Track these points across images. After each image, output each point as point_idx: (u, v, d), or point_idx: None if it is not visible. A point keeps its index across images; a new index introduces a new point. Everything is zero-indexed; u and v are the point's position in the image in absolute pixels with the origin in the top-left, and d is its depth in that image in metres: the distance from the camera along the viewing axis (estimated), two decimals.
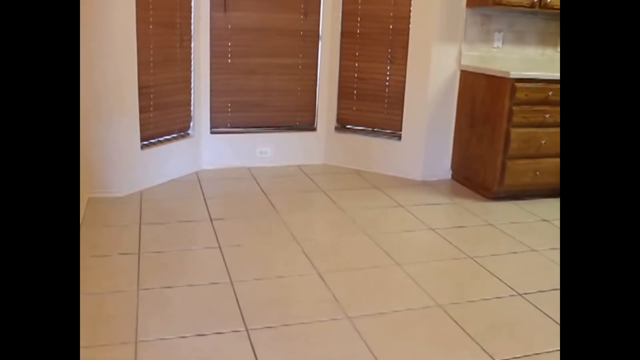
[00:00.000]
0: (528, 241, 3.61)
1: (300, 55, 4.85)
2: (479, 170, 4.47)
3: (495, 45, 4.73)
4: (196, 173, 4.67)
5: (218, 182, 4.48)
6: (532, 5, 4.38)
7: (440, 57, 4.56)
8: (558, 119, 4.33)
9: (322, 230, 3.59)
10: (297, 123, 4.99)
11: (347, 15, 4.77)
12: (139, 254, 3.12)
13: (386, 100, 4.79)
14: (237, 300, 2.66)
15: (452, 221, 3.89)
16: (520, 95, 4.16)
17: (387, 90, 4.77)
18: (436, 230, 3.69)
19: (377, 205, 4.10)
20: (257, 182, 4.50)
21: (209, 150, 4.77)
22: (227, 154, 4.82)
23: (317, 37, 4.85)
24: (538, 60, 4.94)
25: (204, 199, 4.07)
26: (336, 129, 5.02)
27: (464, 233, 3.68)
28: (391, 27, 4.65)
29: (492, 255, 3.36)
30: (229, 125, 4.82)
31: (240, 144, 4.84)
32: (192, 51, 4.50)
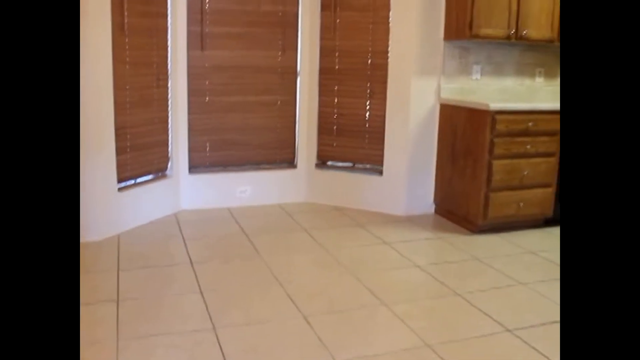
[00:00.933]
0: (516, 275, 3.62)
1: (279, 92, 4.88)
2: (462, 204, 4.50)
3: (474, 77, 4.81)
4: (175, 214, 4.64)
5: (198, 223, 4.45)
6: (509, 37, 4.49)
7: (419, 91, 4.63)
8: (539, 149, 4.40)
9: (306, 272, 3.57)
10: (277, 160, 4.99)
11: (325, 51, 4.84)
12: (117, 301, 3.06)
13: (367, 136, 4.83)
14: (221, 348, 2.61)
15: (438, 257, 3.89)
16: (500, 127, 4.22)
17: (367, 125, 4.81)
18: (422, 267, 3.68)
19: (361, 243, 4.09)
20: (238, 223, 4.47)
21: (187, 190, 4.75)
22: (207, 194, 4.80)
23: (296, 73, 4.90)
24: (516, 91, 5.03)
25: (184, 241, 4.03)
26: (317, 165, 5.04)
27: (451, 269, 3.68)
28: (370, 62, 4.71)
29: (480, 290, 3.36)
30: (207, 164, 4.81)
31: (219, 183, 4.82)
32: (170, 90, 4.51)
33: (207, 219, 4.55)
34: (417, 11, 4.50)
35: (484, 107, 4.21)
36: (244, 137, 4.86)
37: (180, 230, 4.25)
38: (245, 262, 3.68)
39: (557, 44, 4.75)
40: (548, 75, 5.17)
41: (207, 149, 4.77)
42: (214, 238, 4.11)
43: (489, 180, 4.28)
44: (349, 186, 4.94)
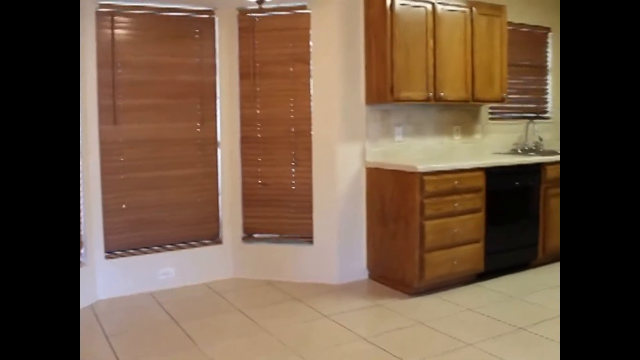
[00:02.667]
0: (461, 335, 3.67)
1: (199, 165, 4.80)
2: (397, 267, 4.55)
3: (396, 139, 4.97)
4: (91, 306, 4.36)
5: (119, 314, 4.20)
6: (428, 99, 4.70)
7: (345, 156, 4.71)
8: (467, 206, 4.57)
9: (250, 358, 3.44)
10: (201, 237, 4.86)
11: (246, 120, 4.84)
12: None
13: (294, 204, 4.83)
14: None
15: (381, 325, 3.88)
16: (429, 188, 4.35)
17: (294, 194, 4.82)
18: (368, 339, 3.65)
19: (301, 319, 4.02)
20: (164, 309, 4.26)
21: (104, 277, 4.49)
22: (126, 280, 4.56)
23: (216, 144, 4.85)
24: (437, 150, 5.24)
25: (106, 337, 3.77)
26: (243, 239, 4.95)
27: (396, 337, 3.68)
28: (293, 129, 4.76)
29: (431, 356, 3.36)
30: (125, 247, 4.59)
31: (139, 267, 4.61)
32: (81, 169, 4.30)
33: (129, 307, 4.31)
34: (337, 77, 4.63)
35: (411, 169, 4.33)
36: (164, 215, 4.71)
37: (100, 324, 3.98)
38: (181, 354, 3.49)
39: (472, 103, 5.02)
40: (465, 132, 5.43)
41: (125, 230, 4.57)
42: (140, 330, 3.88)
43: (422, 241, 4.38)
44: (279, 258, 4.88)
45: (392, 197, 4.57)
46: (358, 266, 4.89)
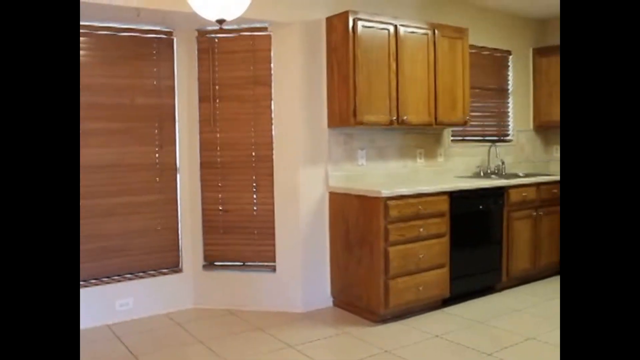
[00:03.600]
0: None
1: (158, 191, 4.72)
2: (362, 294, 4.53)
3: (359, 163, 4.98)
4: None
5: None
6: (391, 123, 4.72)
7: (307, 181, 4.69)
8: (431, 231, 4.59)
9: None
10: (161, 265, 4.76)
11: (206, 145, 4.78)
12: None
13: (256, 231, 4.78)
14: None
15: (348, 355, 3.84)
16: (394, 213, 4.36)
17: (255, 220, 4.77)
18: None
19: (265, 350, 3.95)
20: (123, 342, 4.15)
21: None
22: (82, 312, 4.43)
23: (175, 169, 4.78)
24: (401, 173, 5.26)
25: None
26: (204, 267, 4.87)
27: None
28: (254, 154, 4.72)
29: None
30: (83, 278, 4.46)
31: (97, 298, 4.48)
32: None
33: (85, 341, 4.18)
34: (299, 100, 4.63)
35: (375, 194, 4.34)
36: (121, 243, 4.59)
37: None
38: None
39: (435, 126, 5.07)
40: (428, 155, 5.48)
41: (83, 260, 4.45)
42: None
43: (386, 267, 4.37)
44: (241, 286, 4.81)
45: (356, 222, 4.56)
46: (322, 293, 4.86)
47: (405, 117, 4.80)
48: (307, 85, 4.67)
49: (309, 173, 4.71)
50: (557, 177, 5.73)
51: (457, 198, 4.79)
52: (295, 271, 4.73)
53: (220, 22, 2.90)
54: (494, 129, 6.21)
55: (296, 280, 4.73)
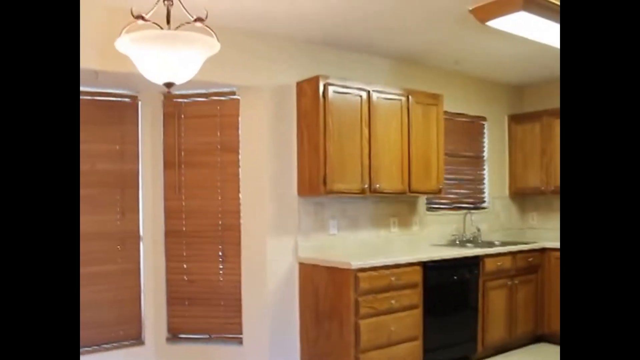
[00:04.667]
0: None
1: (120, 260, 4.56)
2: None
3: (331, 232, 4.87)
4: None
5: None
6: (363, 191, 4.65)
7: (276, 251, 4.57)
8: (404, 303, 4.46)
9: None
10: (121, 338, 4.55)
11: (171, 213, 4.67)
12: None
13: (222, 302, 4.62)
14: None
15: None
16: (364, 285, 4.23)
17: (222, 292, 4.62)
18: None
19: None
20: None
21: None
22: None
23: (138, 238, 4.64)
24: (374, 243, 5.16)
25: None
26: (167, 340, 4.67)
27: None
28: (220, 222, 4.61)
29: None
30: None
31: None
32: None
33: None
34: (268, 168, 4.55)
35: (345, 266, 4.22)
36: (80, 316, 4.40)
37: None
38: None
39: (409, 194, 5.01)
40: (402, 224, 5.39)
41: None
42: None
43: (357, 341, 4.22)
44: None
45: (326, 294, 4.42)
46: None
47: (377, 185, 4.73)
48: (276, 151, 4.60)
49: (278, 243, 4.59)
50: (533, 245, 5.66)
51: (431, 268, 4.69)
52: (263, 344, 4.55)
53: (168, 85, 2.82)
54: (470, 196, 6.17)
55: (264, 354, 4.54)
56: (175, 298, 4.67)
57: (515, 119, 6.45)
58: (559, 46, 4.83)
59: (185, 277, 4.66)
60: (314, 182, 4.51)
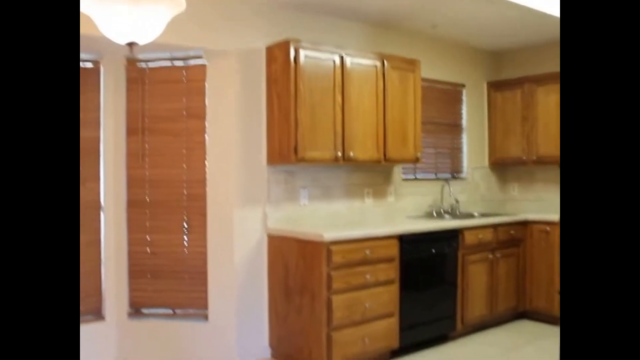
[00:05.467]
0: None
1: (80, 231, 4.30)
2: (303, 347, 4.17)
3: (301, 203, 4.64)
4: None
5: None
6: (336, 160, 4.42)
7: (244, 222, 4.33)
8: (379, 278, 4.27)
9: None
10: (80, 313, 4.31)
11: (133, 182, 4.40)
12: None
13: (187, 276, 4.39)
14: None
15: None
16: (337, 259, 4.03)
17: (187, 264, 4.38)
18: None
19: None
20: None
21: None
22: None
23: (99, 208, 4.37)
24: (347, 214, 4.95)
25: None
26: (129, 315, 4.44)
27: None
28: (185, 192, 4.36)
29: None
30: None
31: None
32: None
33: None
34: (236, 135, 4.29)
35: (317, 238, 4.00)
36: None
37: None
38: None
39: (384, 163, 4.78)
40: (376, 194, 5.18)
41: None
42: None
43: (329, 318, 4.02)
44: (170, 336, 4.39)
45: (297, 268, 4.21)
46: (260, 344, 4.47)
47: (351, 154, 4.49)
48: (244, 119, 4.34)
49: (246, 213, 4.35)
50: (515, 218, 5.48)
51: (409, 241, 4.49)
52: (230, 319, 4.34)
53: (132, 46, 2.57)
54: (448, 166, 5.97)
55: (231, 330, 4.34)
56: (137, 271, 4.43)
57: (495, 86, 6.24)
58: (539, 9, 4.61)
59: (148, 249, 4.40)
60: (285, 150, 4.26)
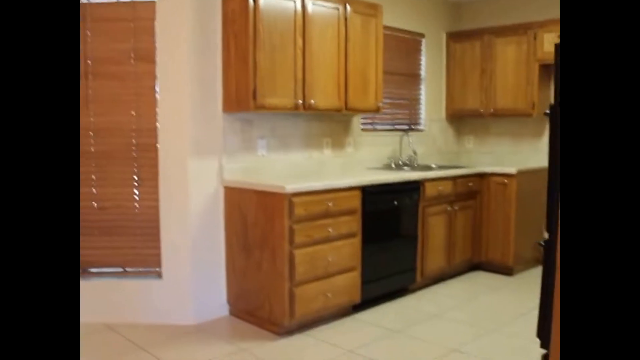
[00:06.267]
0: None
1: None
2: (264, 303, 3.93)
3: (259, 154, 4.35)
4: None
5: None
6: (297, 107, 4.12)
7: (198, 174, 4.01)
8: (342, 231, 4.05)
9: None
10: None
11: None
12: None
13: (138, 232, 4.05)
14: None
15: None
16: (299, 211, 3.77)
17: (138, 220, 4.04)
18: None
19: None
20: None
21: None
22: None
23: None
24: (306, 165, 4.68)
25: None
26: None
27: None
28: (135, 142, 3.99)
29: None
30: None
31: None
32: None
33: None
34: (189, 80, 3.92)
35: (279, 190, 3.73)
36: None
37: None
38: None
39: (345, 112, 4.52)
40: (335, 145, 4.93)
41: None
42: None
43: (292, 273, 3.78)
44: (121, 296, 4.07)
45: (256, 221, 3.94)
46: (217, 301, 4.20)
47: (312, 101, 4.21)
48: (198, 62, 3.96)
49: (200, 165, 4.02)
50: (474, 170, 5.34)
51: (371, 193, 4.27)
52: (185, 277, 4.05)
53: None
54: (406, 117, 5.75)
55: (186, 287, 4.05)
56: (84, 227, 4.05)
57: (454, 37, 6.02)
58: None
59: (95, 204, 4.03)
60: (242, 96, 3.93)
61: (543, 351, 2.30)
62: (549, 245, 2.49)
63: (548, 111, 2.47)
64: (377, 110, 4.78)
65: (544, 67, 5.45)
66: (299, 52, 4.12)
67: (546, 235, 2.52)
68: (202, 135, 4.01)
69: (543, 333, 2.41)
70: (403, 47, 5.65)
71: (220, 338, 3.82)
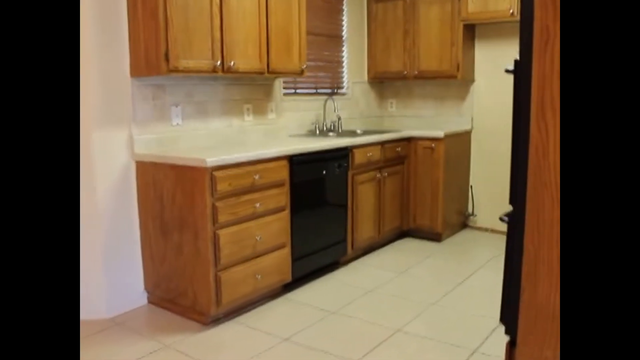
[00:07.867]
0: None
1: None
2: (186, 290, 3.41)
3: (174, 123, 3.76)
4: None
5: None
6: (215, 70, 3.56)
7: (105, 147, 3.39)
8: (269, 206, 3.57)
9: None
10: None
11: None
12: None
13: None
14: None
15: None
16: (223, 187, 3.25)
17: None
18: None
19: None
20: None
21: None
22: None
23: None
24: (227, 134, 4.14)
25: None
26: None
27: None
28: None
29: None
30: None
31: None
32: None
33: None
34: (89, 40, 3.26)
35: (198, 164, 3.18)
36: None
37: None
38: None
39: (267, 75, 3.99)
40: (256, 111, 4.40)
41: None
42: None
43: (217, 256, 3.28)
44: None
45: (174, 200, 3.38)
46: (133, 289, 3.64)
47: (232, 63, 3.64)
48: (100, 19, 3.30)
49: (106, 137, 3.39)
50: (401, 134, 4.96)
51: (299, 163, 3.80)
52: (96, 265, 3.45)
53: None
54: (328, 80, 5.28)
55: (97, 277, 3.46)
56: None
57: None
58: None
59: None
60: (153, 58, 3.31)
61: (505, 335, 1.94)
62: (513, 220, 2.09)
63: (511, 68, 2.10)
64: (301, 73, 4.27)
65: (468, 27, 5.12)
66: (216, 9, 3.53)
67: (510, 207, 2.14)
68: (108, 103, 3.37)
69: (507, 317, 2.03)
70: (324, 6, 5.14)
71: (140, 333, 3.28)
